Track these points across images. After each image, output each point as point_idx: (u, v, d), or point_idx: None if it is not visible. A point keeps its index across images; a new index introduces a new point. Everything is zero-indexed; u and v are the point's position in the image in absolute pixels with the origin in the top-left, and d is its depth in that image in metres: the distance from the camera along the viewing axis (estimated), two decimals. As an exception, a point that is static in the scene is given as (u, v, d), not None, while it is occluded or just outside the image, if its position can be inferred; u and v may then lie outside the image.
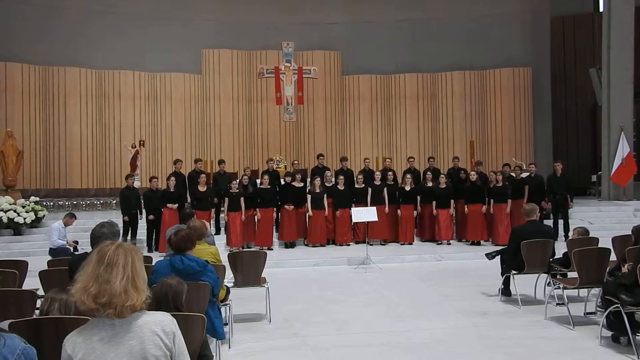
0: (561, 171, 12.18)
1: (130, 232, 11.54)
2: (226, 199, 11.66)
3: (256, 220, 11.82)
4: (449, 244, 12.08)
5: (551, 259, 6.94)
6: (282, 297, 7.33)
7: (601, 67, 16.18)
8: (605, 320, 5.25)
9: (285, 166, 15.13)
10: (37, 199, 12.99)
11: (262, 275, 6.52)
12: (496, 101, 18.43)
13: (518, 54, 18.28)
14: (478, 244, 11.83)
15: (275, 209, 11.95)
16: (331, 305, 7.14)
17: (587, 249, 6.33)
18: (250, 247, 11.55)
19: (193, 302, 4.19)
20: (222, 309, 5.29)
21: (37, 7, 16.24)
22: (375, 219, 10.43)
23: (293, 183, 12.18)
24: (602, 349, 5.18)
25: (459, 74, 18.51)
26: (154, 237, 11.50)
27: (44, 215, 12.50)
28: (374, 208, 10.66)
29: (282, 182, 12.49)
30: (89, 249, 4.64)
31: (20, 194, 13.37)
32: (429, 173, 12.68)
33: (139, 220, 11.75)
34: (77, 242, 10.13)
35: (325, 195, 12.05)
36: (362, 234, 11.53)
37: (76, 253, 8.71)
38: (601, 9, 18.48)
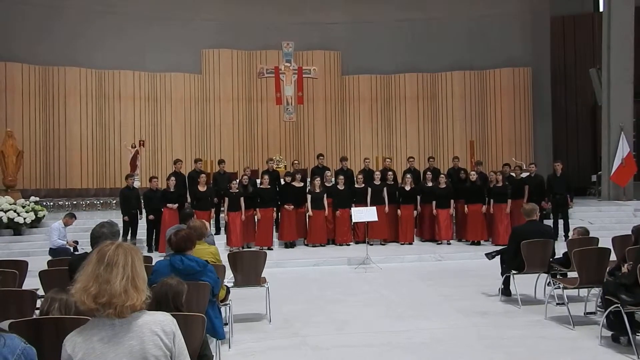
0: (561, 171, 12.18)
1: (130, 232, 11.54)
2: (226, 199, 11.66)
3: (256, 220, 11.82)
4: (449, 243, 12.08)
5: (551, 259, 6.94)
6: (282, 297, 7.33)
7: (601, 67, 16.18)
8: (605, 320, 5.25)
9: (285, 166, 15.13)
10: (37, 199, 12.99)
11: (262, 275, 6.52)
12: (496, 101, 18.43)
13: (518, 54, 18.28)
14: (478, 243, 11.83)
15: (275, 209, 11.95)
16: (331, 305, 7.14)
17: (587, 248, 6.33)
18: (250, 247, 11.55)
19: (193, 302, 4.19)
20: (222, 309, 5.29)
21: (37, 7, 16.24)
22: (375, 218, 10.43)
23: (293, 183, 12.18)
24: (602, 348, 5.18)
25: (459, 74, 18.51)
26: (154, 237, 11.50)
27: (44, 215, 12.50)
28: (374, 208, 10.66)
29: (282, 182, 12.49)
30: (89, 249, 4.64)
31: (20, 194, 13.37)
32: (428, 173, 12.68)
33: (139, 220, 11.76)
34: (77, 242, 10.13)
35: (325, 195, 12.05)
36: (362, 233, 11.53)
37: (76, 253, 8.71)
38: (601, 9, 18.48)
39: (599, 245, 6.63)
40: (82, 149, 16.80)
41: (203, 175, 11.78)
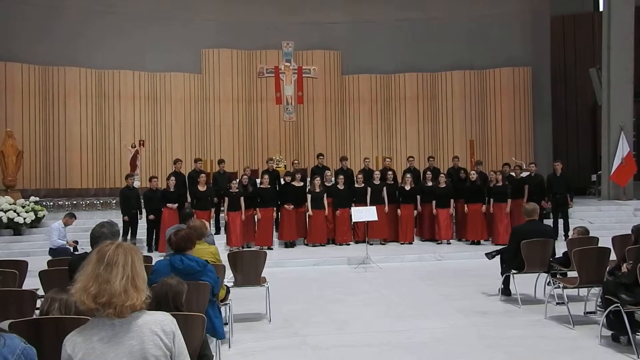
0: (561, 171, 12.18)
1: (130, 232, 11.53)
2: (226, 199, 11.66)
3: (256, 219, 11.82)
4: (449, 243, 12.08)
5: (551, 259, 6.94)
6: (282, 297, 7.34)
7: (601, 67, 16.18)
8: (605, 320, 5.25)
9: (285, 166, 15.13)
10: (37, 199, 12.99)
11: (262, 275, 6.52)
12: (496, 101, 18.44)
13: (518, 53, 18.28)
14: (478, 243, 11.83)
15: (275, 209, 11.95)
16: (331, 305, 7.14)
17: (587, 248, 6.33)
18: (250, 247, 11.56)
19: (193, 302, 4.19)
20: (222, 309, 5.29)
21: (37, 7, 16.24)
22: (375, 218, 10.43)
23: (293, 183, 12.18)
24: (602, 348, 5.19)
25: (459, 74, 18.51)
26: (153, 236, 11.50)
27: (43, 215, 12.50)
28: (374, 207, 10.65)
29: (282, 182, 12.50)
30: (88, 248, 4.64)
31: (20, 194, 13.37)
32: (428, 172, 12.68)
33: (139, 220, 11.75)
34: (77, 242, 10.13)
35: (325, 195, 12.05)
36: (362, 233, 11.53)
37: (76, 253, 8.72)
38: (601, 9, 18.47)
39: (599, 245, 6.63)
40: (82, 149, 16.81)
41: (203, 175, 11.78)
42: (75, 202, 14.98)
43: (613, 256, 6.38)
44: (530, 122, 18.37)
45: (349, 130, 18.67)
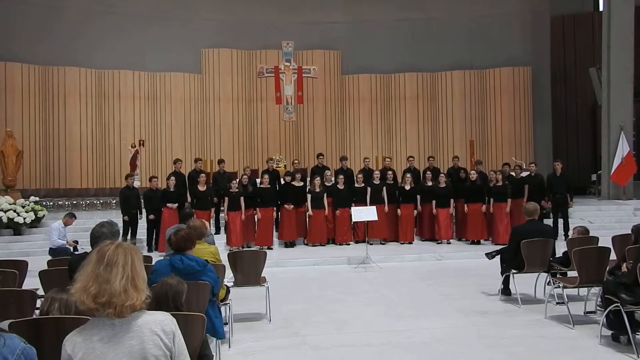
0: (561, 170, 12.18)
1: (130, 231, 11.53)
2: (226, 199, 11.66)
3: (256, 219, 11.83)
4: (449, 243, 12.08)
5: (551, 258, 6.94)
6: (282, 297, 7.34)
7: (601, 67, 16.18)
8: (605, 319, 5.25)
9: (285, 165, 15.13)
10: (37, 198, 12.99)
11: (262, 275, 6.52)
12: (496, 101, 18.43)
13: (518, 53, 18.28)
14: (478, 243, 11.83)
15: (275, 209, 11.95)
16: (331, 305, 7.14)
17: (587, 248, 6.33)
18: (250, 247, 11.56)
19: (193, 302, 4.20)
20: (222, 309, 5.29)
21: (37, 7, 16.24)
22: (375, 218, 10.43)
23: (293, 182, 12.18)
24: (602, 348, 5.19)
25: (458, 74, 18.51)
26: (153, 236, 11.50)
27: (43, 215, 12.50)
28: (374, 207, 10.66)
29: (282, 182, 12.50)
30: (88, 248, 4.64)
31: (20, 194, 13.37)
32: (428, 172, 12.68)
33: (139, 220, 11.75)
34: (77, 242, 10.13)
35: (325, 195, 12.05)
36: (362, 233, 11.53)
37: (76, 253, 8.73)
38: (601, 9, 18.47)
39: (599, 245, 6.63)
40: (82, 149, 16.81)
41: (203, 174, 11.78)
42: (75, 202, 14.98)
43: (613, 256, 6.38)
44: (530, 122, 18.36)
45: (348, 130, 18.67)
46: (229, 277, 6.12)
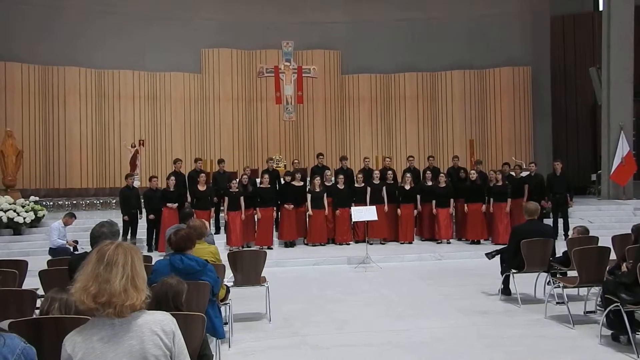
0: (561, 170, 12.19)
1: (130, 231, 11.53)
2: (226, 199, 11.66)
3: (256, 219, 11.82)
4: (449, 243, 12.08)
5: (551, 258, 6.94)
6: (282, 297, 7.34)
7: (601, 67, 16.18)
8: (605, 319, 5.25)
9: (285, 165, 15.13)
10: (37, 198, 12.99)
11: (262, 275, 6.52)
12: (496, 101, 18.44)
13: (518, 53, 18.29)
14: (478, 243, 11.83)
15: (275, 208, 11.95)
16: (331, 305, 7.14)
17: (587, 247, 6.33)
18: (250, 247, 11.56)
19: (193, 302, 4.20)
20: (222, 309, 5.29)
21: (37, 7, 16.24)
22: (375, 218, 10.43)
23: (293, 182, 12.18)
24: (602, 347, 5.18)
25: (458, 74, 18.52)
26: (153, 236, 11.50)
27: (43, 215, 12.50)
28: (374, 207, 10.65)
29: (282, 182, 12.50)
30: (88, 248, 4.64)
31: (20, 194, 13.37)
32: (428, 172, 12.68)
33: (139, 220, 11.75)
34: (77, 242, 10.12)
35: (325, 195, 12.06)
36: (362, 233, 11.53)
37: (76, 253, 8.73)
38: (601, 8, 18.46)
39: (599, 244, 6.63)
40: (82, 149, 16.82)
41: (203, 174, 11.78)
42: (75, 201, 14.98)
43: (613, 255, 6.38)
44: (530, 121, 18.37)
45: (348, 130, 18.68)
46: (228, 277, 6.12)
